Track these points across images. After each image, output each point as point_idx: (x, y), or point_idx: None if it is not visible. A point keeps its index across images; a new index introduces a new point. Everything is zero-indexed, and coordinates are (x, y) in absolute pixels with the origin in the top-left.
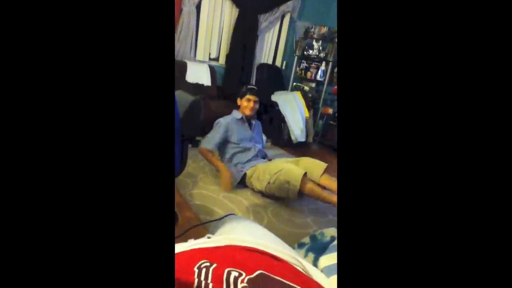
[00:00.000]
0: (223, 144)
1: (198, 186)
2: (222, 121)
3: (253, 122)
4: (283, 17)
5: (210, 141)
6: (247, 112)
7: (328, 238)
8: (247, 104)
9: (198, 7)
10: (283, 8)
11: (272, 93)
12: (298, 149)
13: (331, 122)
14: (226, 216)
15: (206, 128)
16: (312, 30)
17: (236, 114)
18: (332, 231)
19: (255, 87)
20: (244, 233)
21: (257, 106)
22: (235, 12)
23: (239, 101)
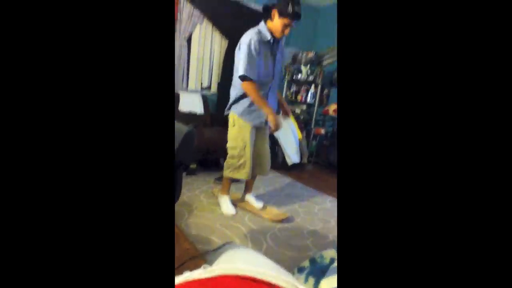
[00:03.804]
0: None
1: (194, 215)
2: (253, 42)
3: (275, 45)
4: None
5: (251, 70)
6: (277, 34)
7: (327, 261)
8: (283, 28)
9: (188, 41)
10: None
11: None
12: (293, 171)
13: (324, 142)
14: (223, 245)
15: (199, 155)
16: (300, 55)
17: (266, 32)
18: (331, 253)
19: (300, 12)
20: (242, 261)
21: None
22: (224, 43)
23: (274, 14)
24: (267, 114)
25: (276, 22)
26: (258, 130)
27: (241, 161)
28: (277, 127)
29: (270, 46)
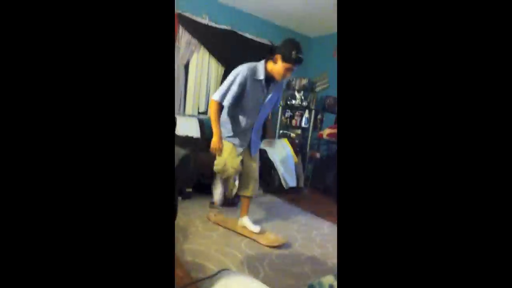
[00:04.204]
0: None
1: (189, 240)
2: (240, 76)
3: (272, 85)
4: None
5: (224, 95)
6: (277, 77)
7: (326, 287)
8: (284, 72)
9: (186, 67)
10: None
11: (261, 141)
12: (290, 194)
13: (320, 166)
14: (219, 272)
15: (195, 179)
16: (293, 82)
17: (260, 72)
18: (330, 279)
19: (302, 58)
20: None
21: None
22: (221, 70)
23: (277, 58)
24: (214, 135)
25: (279, 66)
26: (245, 151)
27: (225, 175)
28: (214, 150)
29: (261, 86)
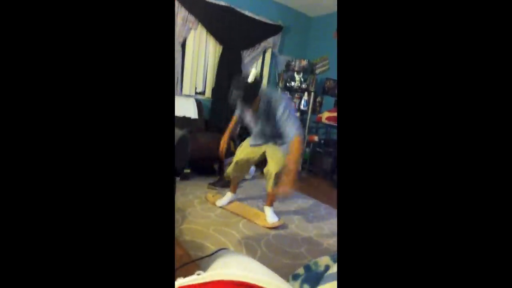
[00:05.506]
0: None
1: (188, 220)
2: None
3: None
4: (264, 52)
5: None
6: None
7: (322, 268)
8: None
9: (183, 46)
10: (264, 44)
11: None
12: None
13: (318, 149)
14: (217, 251)
15: (193, 160)
16: (293, 63)
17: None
18: (326, 260)
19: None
20: (236, 267)
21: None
22: (219, 49)
23: None
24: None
25: None
26: (268, 147)
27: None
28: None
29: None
